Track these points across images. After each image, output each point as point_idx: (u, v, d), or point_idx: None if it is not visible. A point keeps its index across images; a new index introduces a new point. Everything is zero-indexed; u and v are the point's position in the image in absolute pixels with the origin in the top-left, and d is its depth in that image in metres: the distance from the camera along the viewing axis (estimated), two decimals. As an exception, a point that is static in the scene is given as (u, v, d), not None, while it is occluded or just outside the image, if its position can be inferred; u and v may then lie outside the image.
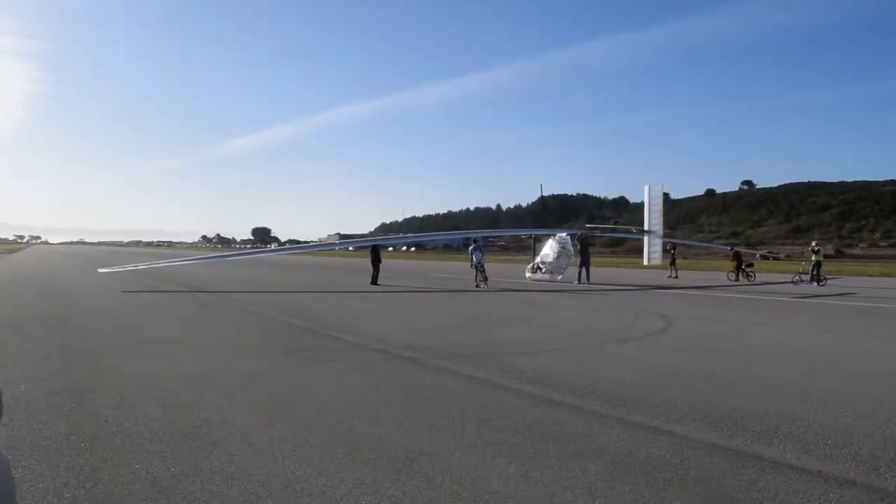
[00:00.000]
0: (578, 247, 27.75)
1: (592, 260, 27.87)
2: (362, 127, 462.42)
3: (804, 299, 18.67)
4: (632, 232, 38.12)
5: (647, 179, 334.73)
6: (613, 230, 48.81)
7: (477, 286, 22.20)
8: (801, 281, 25.44)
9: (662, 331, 11.31)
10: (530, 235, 33.10)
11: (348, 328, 11.35)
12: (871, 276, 34.27)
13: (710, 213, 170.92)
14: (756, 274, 28.07)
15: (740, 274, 27.44)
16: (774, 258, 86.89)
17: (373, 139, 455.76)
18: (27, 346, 8.88)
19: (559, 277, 26.39)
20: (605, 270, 36.23)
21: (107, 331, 10.74)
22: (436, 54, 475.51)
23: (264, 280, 27.44)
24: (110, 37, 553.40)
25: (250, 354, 8.64)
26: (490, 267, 24.80)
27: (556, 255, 27.44)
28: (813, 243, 27.15)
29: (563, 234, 28.64)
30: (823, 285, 24.26)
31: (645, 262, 32.36)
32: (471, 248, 23.84)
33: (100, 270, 28.65)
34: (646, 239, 31.54)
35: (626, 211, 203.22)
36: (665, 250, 32.08)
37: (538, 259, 28.45)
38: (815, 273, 25.07)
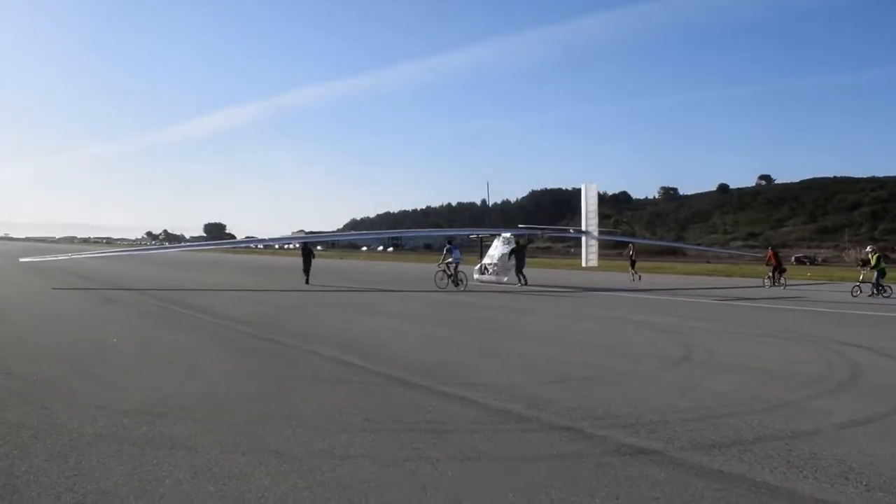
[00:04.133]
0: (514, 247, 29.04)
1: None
2: (328, 111, 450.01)
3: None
4: (569, 233, 41.51)
5: (651, 172, 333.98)
6: (550, 230, 52.30)
7: (452, 283, 23.84)
8: (861, 292, 23.90)
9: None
10: (478, 235, 35.28)
11: (459, 376, 8.14)
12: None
13: (725, 212, 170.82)
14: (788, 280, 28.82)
15: (774, 279, 28.14)
16: (811, 262, 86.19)
17: (340, 125, 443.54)
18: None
19: (505, 279, 28.19)
20: (548, 272, 38.78)
21: (60, 377, 7.37)
22: (411, 29, 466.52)
23: (231, 284, 26.59)
24: (39, 11, 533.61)
25: (339, 444, 5.37)
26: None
27: (501, 255, 29.14)
28: (868, 248, 27.09)
29: (508, 235, 30.29)
30: (888, 297, 23.19)
31: (583, 264, 33.97)
32: (447, 247, 24.91)
33: (21, 259, 33.07)
34: (583, 240, 33.28)
35: (627, 207, 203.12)
36: (626, 253, 34.67)
37: (485, 260, 30.33)
38: (877, 283, 23.77)
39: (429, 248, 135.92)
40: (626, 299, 22.49)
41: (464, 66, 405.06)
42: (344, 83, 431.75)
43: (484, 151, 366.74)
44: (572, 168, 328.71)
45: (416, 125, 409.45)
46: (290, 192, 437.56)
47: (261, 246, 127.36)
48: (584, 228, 33.04)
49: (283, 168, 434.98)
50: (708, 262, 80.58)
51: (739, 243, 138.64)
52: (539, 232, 45.21)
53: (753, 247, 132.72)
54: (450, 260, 24.24)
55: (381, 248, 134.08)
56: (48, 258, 35.04)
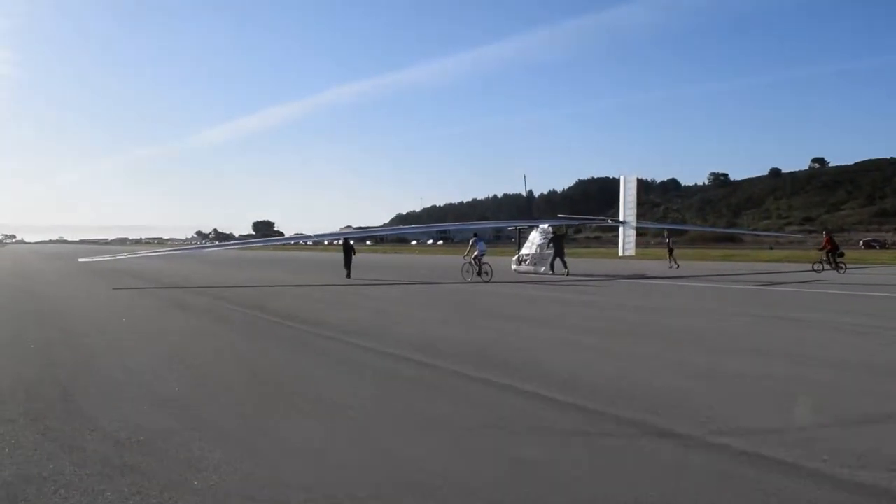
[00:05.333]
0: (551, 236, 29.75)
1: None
2: (371, 106, 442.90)
3: None
4: (607, 223, 43.25)
5: (700, 158, 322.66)
6: (588, 220, 54.05)
7: (478, 275, 24.27)
8: None
9: None
10: (530, 227, 35.24)
11: (699, 412, 5.68)
12: None
13: (778, 196, 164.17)
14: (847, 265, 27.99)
15: (829, 263, 27.48)
16: (881, 246, 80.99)
17: (383, 121, 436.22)
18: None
19: (542, 269, 28.67)
20: (586, 261, 41.51)
21: (169, 435, 5.12)
22: (453, 20, 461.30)
23: (296, 282, 26.13)
24: (87, 13, 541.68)
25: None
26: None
27: (539, 246, 29.67)
28: None
29: (546, 226, 30.69)
30: None
31: (620, 253, 34.90)
32: (472, 240, 25.19)
33: (80, 259, 36.49)
34: (621, 230, 34.05)
35: (676, 194, 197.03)
36: (663, 240, 35.89)
37: (523, 251, 30.95)
38: None
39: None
40: (733, 291, 19.96)
41: (507, 57, 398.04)
42: (386, 78, 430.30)
43: (529, 142, 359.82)
44: (619, 156, 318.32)
45: (460, 119, 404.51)
46: (336, 189, 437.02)
47: (310, 242, 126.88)
48: (622, 219, 33.56)
49: (329, 164, 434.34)
50: (771, 248, 76.65)
51: (795, 228, 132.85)
52: (577, 222, 48.62)
53: (810, 232, 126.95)
54: (475, 252, 24.75)
55: (430, 241, 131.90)
56: (106, 258, 36.31)
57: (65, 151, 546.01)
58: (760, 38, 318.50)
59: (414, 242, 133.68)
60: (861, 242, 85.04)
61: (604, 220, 44.94)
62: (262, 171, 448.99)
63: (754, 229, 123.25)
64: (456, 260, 43.57)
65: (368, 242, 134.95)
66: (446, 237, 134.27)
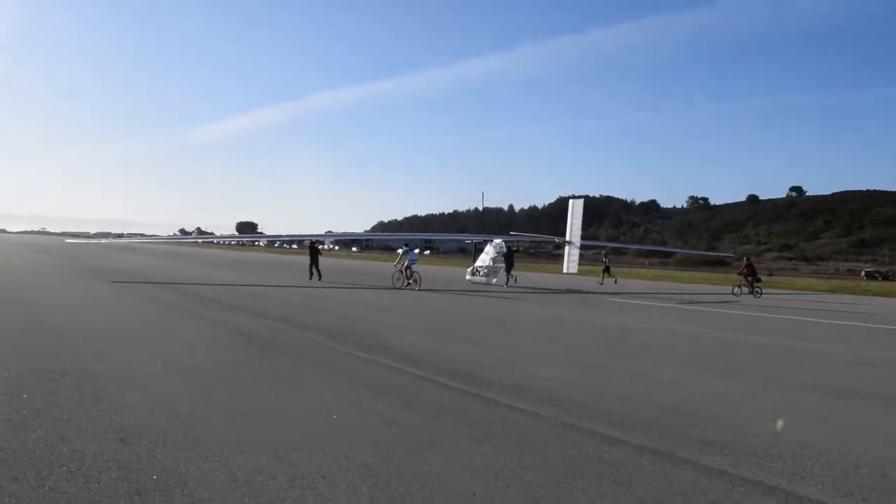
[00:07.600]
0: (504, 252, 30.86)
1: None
2: (356, 114, 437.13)
3: None
4: (554, 242, 45.42)
5: (680, 181, 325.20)
6: (538, 238, 56.53)
7: (407, 285, 24.61)
8: None
9: None
10: (489, 241, 36.13)
11: None
12: None
13: (757, 223, 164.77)
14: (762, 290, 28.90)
15: (747, 288, 28.47)
16: (884, 278, 78.07)
17: (369, 128, 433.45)
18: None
19: (493, 280, 30.03)
20: (538, 275, 42.56)
21: None
22: (438, 35, 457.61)
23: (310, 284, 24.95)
24: (76, 6, 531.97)
25: None
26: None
27: (492, 259, 31.08)
28: None
29: (500, 241, 32.12)
30: None
31: (565, 270, 36.62)
32: (403, 249, 25.66)
33: (67, 241, 40.91)
34: (566, 248, 35.82)
35: (656, 215, 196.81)
36: (603, 258, 37.53)
37: (477, 263, 32.32)
38: None
39: (463, 251, 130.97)
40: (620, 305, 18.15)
41: (493, 73, 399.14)
42: (372, 87, 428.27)
43: (511, 157, 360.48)
44: (599, 175, 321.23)
45: (444, 131, 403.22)
46: (319, 193, 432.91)
47: (295, 245, 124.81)
48: (568, 238, 35.39)
49: (312, 169, 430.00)
50: (771, 274, 74.77)
51: (773, 255, 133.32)
52: (528, 239, 51.35)
53: (789, 259, 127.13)
54: (405, 262, 25.10)
55: (416, 250, 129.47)
56: (91, 241, 39.12)
57: (49, 142, 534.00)
58: (738, 67, 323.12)
59: (399, 251, 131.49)
60: (863, 273, 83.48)
61: (551, 239, 46.64)
62: (247, 173, 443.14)
63: (732, 253, 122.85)
64: (427, 269, 41.65)
65: (354, 249, 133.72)
66: (431, 248, 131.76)
